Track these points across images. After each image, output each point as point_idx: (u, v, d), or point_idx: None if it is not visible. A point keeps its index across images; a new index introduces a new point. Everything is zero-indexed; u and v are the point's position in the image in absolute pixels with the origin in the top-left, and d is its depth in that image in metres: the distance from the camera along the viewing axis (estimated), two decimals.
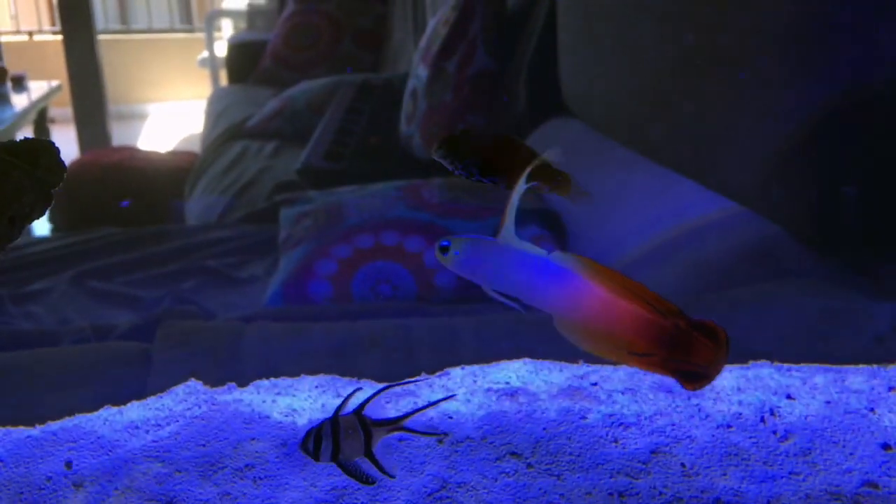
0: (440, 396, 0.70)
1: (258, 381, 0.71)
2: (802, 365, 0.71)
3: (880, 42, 1.04)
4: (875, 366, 0.71)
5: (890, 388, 0.68)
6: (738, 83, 1.31)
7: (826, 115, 1.11)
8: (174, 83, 4.49)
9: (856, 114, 1.03)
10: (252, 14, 3.75)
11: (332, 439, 0.49)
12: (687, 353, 0.35)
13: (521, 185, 0.42)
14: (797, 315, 0.82)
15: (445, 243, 0.41)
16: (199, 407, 0.66)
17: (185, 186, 2.33)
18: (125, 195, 2.55)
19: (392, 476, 0.51)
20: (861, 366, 0.71)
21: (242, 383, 0.71)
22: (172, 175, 2.66)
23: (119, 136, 3.85)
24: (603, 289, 0.37)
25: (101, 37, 3.42)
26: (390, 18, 3.21)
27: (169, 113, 4.50)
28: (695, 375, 0.36)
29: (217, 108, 2.94)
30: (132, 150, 3.11)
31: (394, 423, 0.51)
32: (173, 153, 2.98)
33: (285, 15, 3.22)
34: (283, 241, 1.71)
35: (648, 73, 1.59)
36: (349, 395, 0.51)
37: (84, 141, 3.36)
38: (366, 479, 0.50)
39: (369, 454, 0.50)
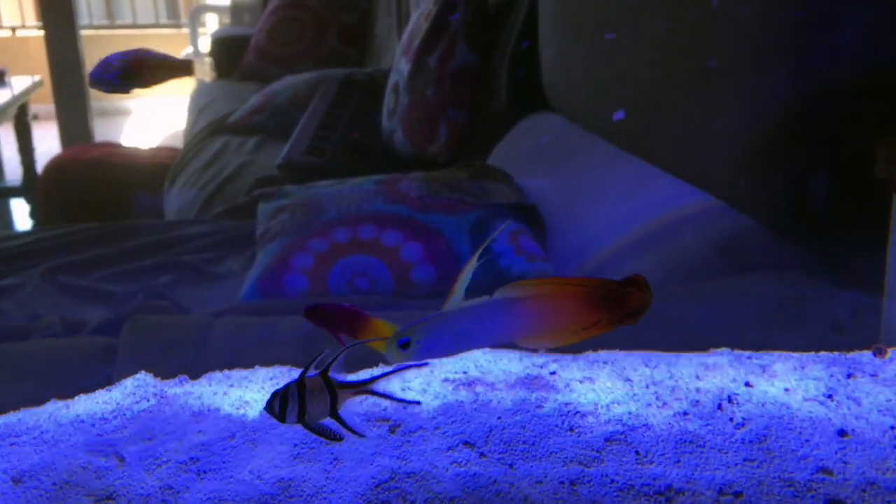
0: (396, 387, 0.70)
1: (211, 374, 0.70)
2: (762, 352, 0.71)
3: (845, 35, 1.04)
4: (835, 353, 0.71)
5: (849, 375, 0.67)
6: (713, 77, 1.31)
7: (794, 108, 1.11)
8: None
9: (822, 106, 1.03)
10: (237, 9, 3.72)
11: (297, 401, 0.48)
12: (623, 304, 0.42)
13: (473, 262, 0.47)
14: (758, 304, 0.82)
15: (404, 340, 0.43)
16: (148, 400, 0.65)
17: (165, 182, 2.31)
18: (106, 191, 2.53)
19: (362, 435, 0.51)
20: (821, 353, 0.70)
21: (196, 376, 0.70)
22: (153, 171, 2.64)
23: (103, 132, 3.82)
24: (544, 296, 0.42)
25: (85, 32, 3.39)
26: (375, 14, 3.20)
27: (153, 109, 4.47)
28: (635, 314, 0.42)
29: (200, 104, 2.92)
30: (114, 147, 3.09)
31: (360, 386, 0.51)
32: (155, 149, 2.96)
33: (269, 10, 3.20)
34: (260, 236, 1.69)
35: (626, 68, 1.58)
36: (314, 358, 0.50)
37: (66, 137, 3.33)
38: (333, 437, 0.50)
39: (335, 415, 0.49)
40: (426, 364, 0.63)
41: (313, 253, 1.60)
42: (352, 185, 1.78)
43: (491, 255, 1.58)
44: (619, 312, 0.42)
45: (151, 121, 4.36)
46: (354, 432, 0.50)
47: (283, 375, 0.71)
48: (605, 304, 0.42)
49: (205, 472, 0.58)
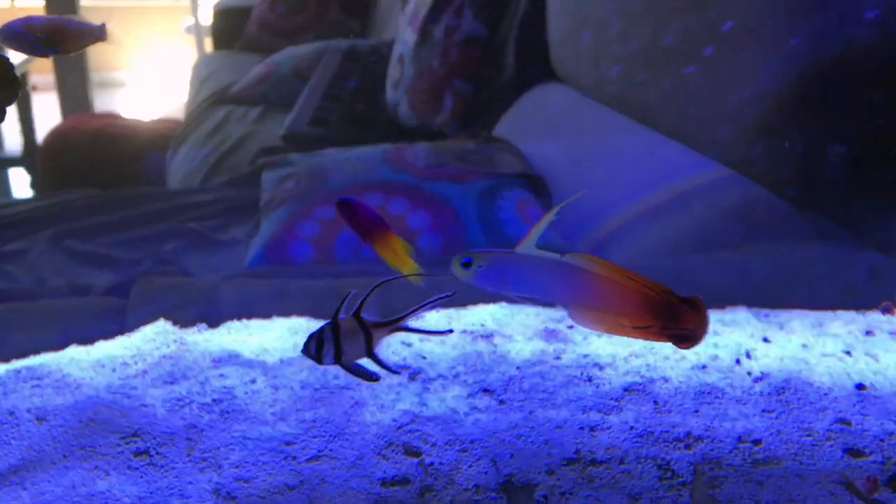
0: (415, 338, 0.70)
1: (230, 322, 0.70)
2: (780, 311, 0.71)
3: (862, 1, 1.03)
4: (853, 312, 0.71)
5: (867, 333, 0.67)
6: (725, 44, 1.30)
7: (810, 75, 1.10)
8: (161, 51, 4.42)
9: (836, 72, 1.02)
10: None
11: (333, 342, 0.48)
12: (677, 321, 0.42)
13: (551, 215, 0.47)
14: (776, 265, 0.82)
15: (467, 260, 0.45)
16: (168, 346, 0.65)
17: (168, 152, 2.30)
18: (107, 161, 2.52)
19: (397, 373, 0.51)
20: (839, 312, 0.70)
21: (214, 325, 0.70)
22: (155, 142, 2.62)
23: (104, 104, 3.80)
24: (608, 279, 0.43)
25: (85, 3, 3.36)
26: None
27: (156, 81, 4.44)
28: (685, 338, 0.43)
29: (202, 75, 2.90)
30: (115, 117, 3.07)
31: (394, 324, 0.50)
32: (157, 120, 2.95)
33: None
34: (265, 204, 1.69)
35: (636, 38, 1.57)
36: (345, 298, 0.50)
37: (66, 108, 3.31)
38: (370, 377, 0.50)
39: (371, 354, 0.50)
40: (451, 294, 0.62)
41: (319, 221, 1.60)
42: (358, 153, 1.77)
43: (498, 224, 1.58)
44: (671, 326, 0.43)
45: (154, 93, 4.33)
46: (391, 371, 0.50)
47: (302, 326, 0.71)
48: (661, 313, 0.42)
49: (228, 412, 0.58)
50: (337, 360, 0.49)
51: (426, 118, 2.28)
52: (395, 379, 0.63)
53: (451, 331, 0.61)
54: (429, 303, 0.54)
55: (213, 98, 2.53)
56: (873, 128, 0.99)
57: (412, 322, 0.51)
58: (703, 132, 1.40)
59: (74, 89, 3.43)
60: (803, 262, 0.80)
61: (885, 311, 0.72)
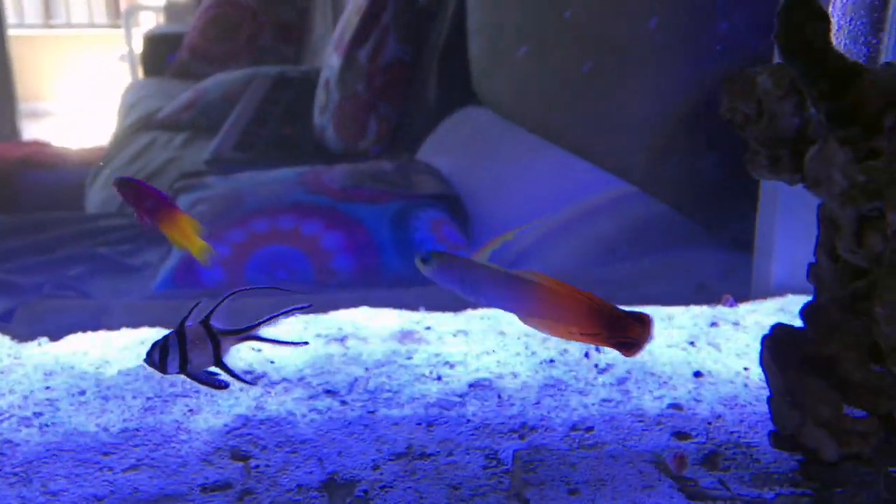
0: (267, 343, 0.68)
1: (73, 335, 0.68)
2: (636, 307, 0.71)
3: (728, 31, 1.08)
4: (703, 306, 0.72)
5: (712, 324, 0.68)
6: (626, 70, 1.35)
7: (692, 97, 1.14)
8: (95, 80, 4.36)
9: (712, 93, 1.06)
10: (171, 8, 3.66)
11: (178, 350, 0.47)
12: (623, 330, 0.46)
13: (510, 234, 0.51)
14: (635, 265, 0.83)
15: (427, 256, 0.47)
16: (1, 361, 0.63)
17: (88, 178, 2.26)
18: (32, 188, 2.46)
19: (250, 382, 0.52)
20: (691, 306, 0.71)
21: (56, 338, 0.68)
22: (79, 169, 2.57)
23: (35, 133, 3.72)
24: (557, 291, 0.47)
25: (16, 32, 3.31)
26: (312, 12, 3.18)
27: (89, 110, 4.37)
28: (629, 345, 0.47)
29: (130, 101, 2.86)
30: (41, 145, 3.01)
31: (244, 332, 0.49)
32: (83, 148, 2.89)
33: (203, 6, 3.16)
34: None
35: (549, 62, 1.61)
36: (193, 307, 0.49)
37: None
38: (218, 385, 0.49)
39: (219, 363, 0.48)
40: (308, 306, 0.61)
41: (230, 243, 1.57)
42: (274, 176, 1.76)
43: (412, 244, 1.58)
44: (617, 334, 0.46)
45: (87, 122, 4.26)
46: (241, 379, 0.49)
47: (151, 336, 0.69)
48: (606, 322, 0.46)
49: (47, 425, 0.56)
50: (182, 368, 0.48)
51: (352, 142, 2.28)
52: (236, 384, 0.61)
53: (306, 342, 0.60)
54: (282, 312, 0.53)
55: (138, 123, 2.50)
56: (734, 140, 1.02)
57: (266, 331, 0.49)
58: (609, 151, 1.43)
59: (2, 118, 3.36)
60: (662, 262, 0.81)
61: (730, 304, 0.73)
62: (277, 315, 0.51)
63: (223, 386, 0.49)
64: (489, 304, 0.49)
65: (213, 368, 0.49)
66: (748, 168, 0.54)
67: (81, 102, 4.41)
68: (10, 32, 3.37)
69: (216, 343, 0.48)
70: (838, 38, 0.66)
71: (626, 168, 1.33)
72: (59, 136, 4.12)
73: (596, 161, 1.45)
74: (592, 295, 0.46)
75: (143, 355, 0.66)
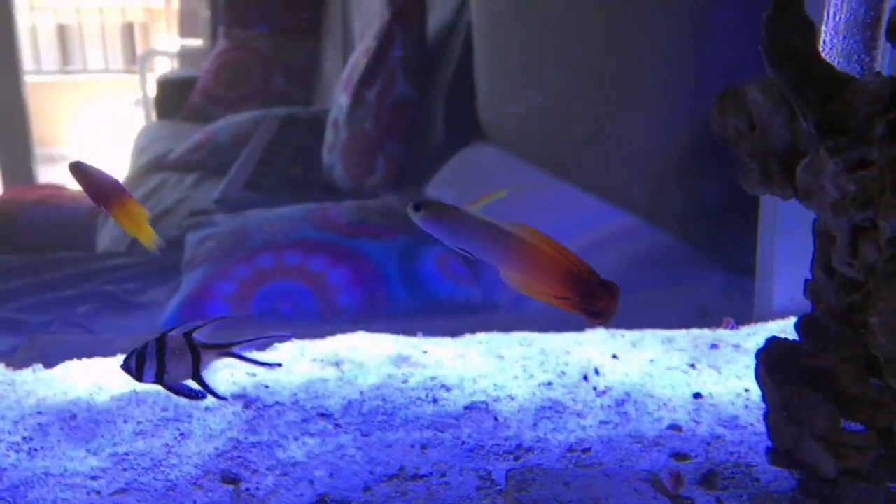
0: (263, 368, 0.68)
1: (68, 362, 0.68)
2: (636, 330, 0.71)
3: (738, 62, 1.09)
4: (705, 329, 0.71)
5: (713, 346, 0.67)
6: (629, 106, 1.36)
7: (693, 130, 1.15)
8: (111, 124, 4.43)
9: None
10: (184, 53, 3.73)
11: (156, 360, 0.47)
12: (593, 299, 0.45)
13: (502, 192, 0.51)
14: (636, 289, 0.82)
15: (419, 204, 0.48)
16: None
17: (99, 218, 2.28)
18: (47, 230, 2.49)
19: (224, 398, 0.51)
20: (692, 329, 0.70)
21: (51, 365, 0.68)
22: (94, 211, 2.60)
23: (51, 177, 3.77)
24: (539, 250, 0.46)
25: (33, 79, 3.38)
26: (322, 54, 3.23)
27: (105, 154, 4.44)
28: (596, 314, 0.46)
29: (142, 143, 2.91)
30: (56, 188, 3.05)
31: (224, 347, 0.49)
32: None
33: (215, 52, 3.22)
34: (185, 264, 1.67)
35: (553, 99, 1.62)
36: (180, 323, 0.49)
37: (8, 181, 3.29)
38: (193, 395, 0.48)
39: (197, 376, 0.48)
40: (288, 337, 0.61)
41: (237, 279, 1.58)
42: (281, 213, 1.77)
43: (418, 278, 1.58)
44: (585, 303, 0.46)
45: (104, 166, 4.32)
46: (215, 395, 0.49)
47: None
48: (577, 288, 0.45)
49: (37, 450, 0.55)
50: (158, 378, 0.47)
51: (360, 180, 2.29)
52: (229, 408, 0.61)
53: (279, 364, 0.59)
54: (265, 337, 0.53)
55: (149, 164, 2.53)
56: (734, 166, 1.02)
57: (246, 350, 0.49)
58: (614, 184, 1.43)
59: (17, 163, 3.42)
60: (665, 288, 0.80)
61: (731, 326, 0.72)
62: (260, 338, 0.51)
63: (200, 397, 0.49)
64: (474, 254, 0.49)
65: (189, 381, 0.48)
66: (741, 183, 0.54)
67: (97, 146, 4.48)
68: (28, 79, 3.45)
69: (196, 355, 0.48)
70: (832, 56, 0.66)
71: (630, 200, 1.33)
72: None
73: (601, 194, 1.45)
74: (577, 259, 0.46)
75: (132, 380, 0.66)
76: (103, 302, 1.61)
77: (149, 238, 0.54)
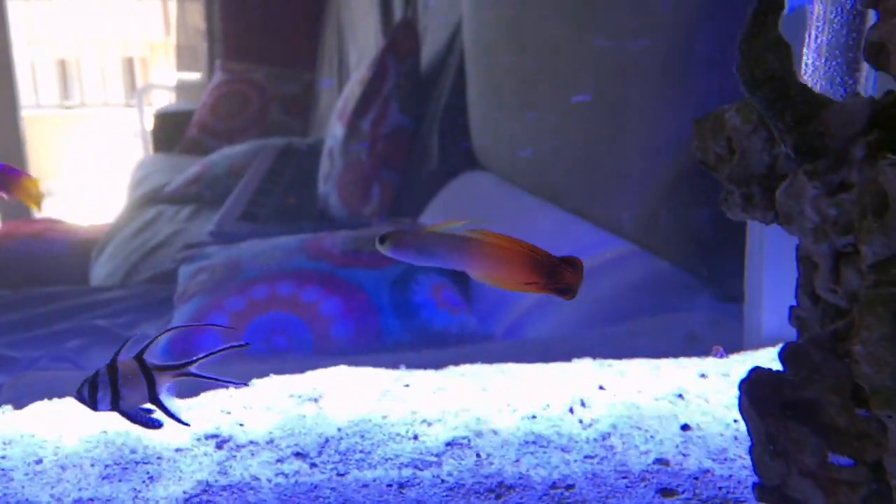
0: (239, 405, 0.66)
1: (39, 403, 0.66)
2: (624, 360, 0.69)
3: (731, 87, 1.09)
4: (693, 358, 0.69)
5: (702, 376, 0.65)
6: (622, 134, 1.36)
7: (684, 155, 1.15)
8: (109, 157, 4.46)
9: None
10: (182, 87, 3.76)
11: (109, 386, 0.45)
12: (558, 277, 0.48)
13: (460, 223, 0.53)
14: (628, 321, 0.80)
15: (384, 237, 0.51)
16: None
17: (93, 252, 2.27)
18: (43, 264, 2.48)
19: (186, 423, 0.48)
20: (680, 358, 0.68)
21: (20, 406, 0.66)
22: (89, 245, 2.59)
23: (48, 210, 3.77)
24: (499, 246, 0.50)
25: (31, 113, 3.40)
26: (318, 85, 3.25)
27: (102, 187, 4.45)
28: (565, 290, 0.50)
29: (139, 176, 2.91)
30: (52, 222, 3.05)
31: (180, 367, 0.48)
32: (93, 225, 2.92)
33: (213, 84, 3.23)
34: (177, 297, 1.65)
35: (546, 126, 1.62)
36: (124, 343, 0.48)
37: (4, 215, 3.29)
38: (151, 424, 0.47)
39: (154, 400, 0.46)
40: (246, 344, 0.60)
41: (229, 312, 1.56)
42: (275, 243, 1.76)
43: (412, 308, 1.56)
44: (552, 282, 0.49)
45: (97, 200, 4.33)
46: (175, 419, 0.47)
47: None
48: (543, 271, 0.49)
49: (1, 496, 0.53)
50: (114, 405, 0.46)
51: (355, 209, 2.29)
52: (201, 448, 0.59)
53: (245, 383, 0.58)
54: (218, 350, 0.52)
55: (144, 197, 2.53)
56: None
57: (202, 368, 0.48)
58: (608, 211, 1.42)
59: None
60: (654, 316, 0.78)
61: (720, 355, 0.70)
62: (214, 352, 0.49)
63: (157, 426, 0.47)
64: (445, 266, 0.51)
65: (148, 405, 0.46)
66: (722, 208, 0.52)
67: (95, 180, 4.49)
68: (25, 113, 3.47)
69: (150, 379, 0.46)
70: (814, 79, 0.65)
71: (623, 225, 1.32)
72: (71, 213, 4.19)
73: (593, 220, 1.44)
74: (534, 247, 0.50)
75: (103, 416, 0.64)
76: (94, 336, 1.59)
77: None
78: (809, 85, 0.46)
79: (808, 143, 0.44)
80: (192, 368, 0.48)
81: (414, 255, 0.50)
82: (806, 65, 0.64)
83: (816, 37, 0.63)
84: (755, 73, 0.44)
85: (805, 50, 0.65)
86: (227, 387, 0.61)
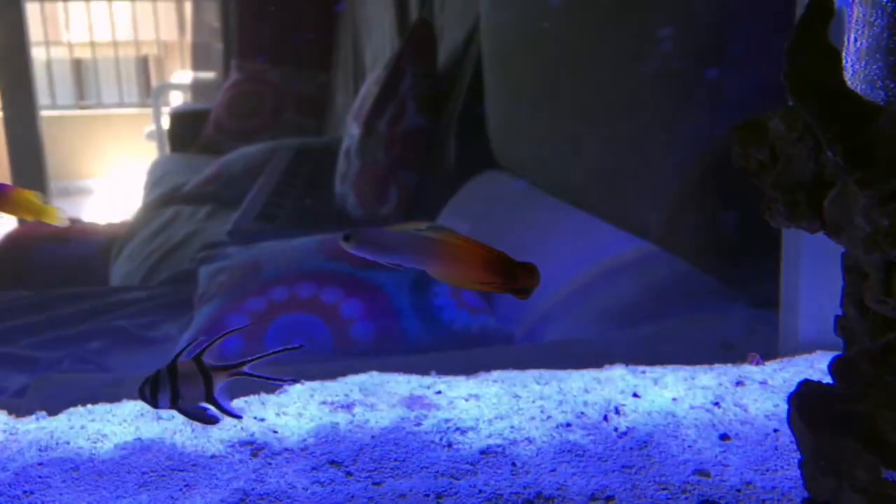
0: (272, 412, 0.66)
1: (72, 409, 0.66)
2: (657, 367, 0.68)
3: (754, 87, 1.08)
4: (728, 365, 0.68)
5: (738, 384, 0.64)
6: (644, 130, 1.34)
7: (710, 157, 1.14)
8: (125, 157, 4.48)
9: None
10: (198, 86, 3.77)
11: (169, 385, 0.48)
12: (514, 278, 0.50)
13: (422, 225, 0.54)
14: (656, 325, 0.79)
15: (348, 235, 0.52)
16: None
17: (112, 252, 2.28)
18: (62, 264, 2.49)
19: (239, 417, 0.52)
20: (715, 365, 0.68)
21: (55, 412, 0.66)
22: (106, 244, 2.60)
23: (66, 210, 3.79)
24: (459, 246, 0.52)
25: (48, 113, 3.42)
26: (333, 85, 3.25)
27: (119, 186, 4.47)
28: (521, 291, 0.51)
29: (156, 176, 2.92)
30: (71, 221, 3.06)
31: (235, 367, 0.50)
32: (111, 224, 2.94)
33: (228, 84, 3.24)
34: (197, 298, 1.65)
35: (566, 125, 1.61)
36: (188, 344, 0.50)
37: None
38: (209, 420, 0.50)
39: (210, 399, 0.49)
40: (300, 346, 0.60)
41: (249, 313, 1.56)
42: (295, 244, 1.76)
43: (432, 309, 1.56)
44: (509, 283, 0.51)
45: (114, 199, 4.35)
46: (232, 414, 0.50)
47: (151, 410, 0.66)
48: (500, 272, 0.50)
49: None
50: (173, 403, 0.49)
51: (372, 209, 2.28)
52: (236, 456, 0.59)
53: (295, 380, 0.59)
54: (272, 352, 0.53)
55: (162, 198, 2.54)
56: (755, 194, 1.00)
57: (260, 369, 0.50)
58: (629, 212, 1.41)
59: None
60: (685, 320, 0.78)
61: (757, 362, 0.69)
62: (268, 354, 0.52)
63: (215, 420, 0.50)
64: (404, 264, 0.53)
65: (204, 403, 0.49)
66: (765, 217, 0.51)
67: (112, 179, 4.52)
68: (43, 113, 3.49)
69: (208, 378, 0.49)
70: (854, 83, 0.64)
71: (647, 227, 1.31)
72: (89, 212, 4.21)
73: (616, 221, 1.43)
74: (492, 248, 0.51)
75: (142, 429, 0.64)
76: (116, 337, 1.60)
77: (54, 214, 0.55)
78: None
79: (860, 151, 0.43)
80: (246, 368, 0.51)
81: (374, 252, 0.52)
82: (845, 68, 0.63)
83: (856, 39, 0.62)
84: (804, 82, 0.43)
85: (844, 53, 0.64)
86: (281, 385, 0.64)
